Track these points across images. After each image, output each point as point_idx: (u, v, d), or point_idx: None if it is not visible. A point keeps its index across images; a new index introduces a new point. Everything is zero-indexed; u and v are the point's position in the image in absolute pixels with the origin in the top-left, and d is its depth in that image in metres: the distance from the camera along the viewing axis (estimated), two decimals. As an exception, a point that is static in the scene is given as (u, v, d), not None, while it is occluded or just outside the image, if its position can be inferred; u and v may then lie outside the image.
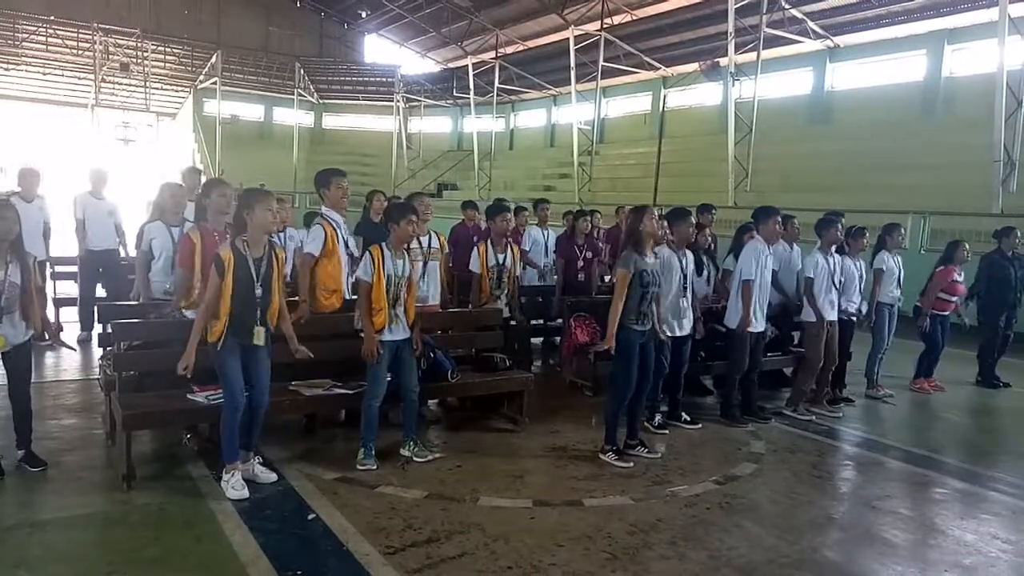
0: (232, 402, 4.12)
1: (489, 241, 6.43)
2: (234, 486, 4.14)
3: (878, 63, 19.32)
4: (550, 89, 28.65)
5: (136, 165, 26.71)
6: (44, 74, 29.74)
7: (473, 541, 3.77)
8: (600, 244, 8.80)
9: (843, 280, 6.51)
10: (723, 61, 18.87)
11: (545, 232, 8.75)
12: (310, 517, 4.00)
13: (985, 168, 13.25)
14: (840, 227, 6.48)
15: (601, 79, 23.90)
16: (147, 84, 30.26)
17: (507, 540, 3.79)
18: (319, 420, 5.47)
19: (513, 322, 6.69)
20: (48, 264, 7.84)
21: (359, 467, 4.64)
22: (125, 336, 4.79)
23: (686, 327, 5.74)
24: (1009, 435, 6.63)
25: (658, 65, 24.24)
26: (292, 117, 31.80)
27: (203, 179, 7.56)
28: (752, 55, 18.41)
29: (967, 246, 7.65)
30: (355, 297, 4.96)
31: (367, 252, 4.71)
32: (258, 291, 4.11)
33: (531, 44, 27.55)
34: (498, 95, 28.96)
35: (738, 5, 17.67)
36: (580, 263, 7.98)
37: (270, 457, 4.71)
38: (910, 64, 18.45)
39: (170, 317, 4.82)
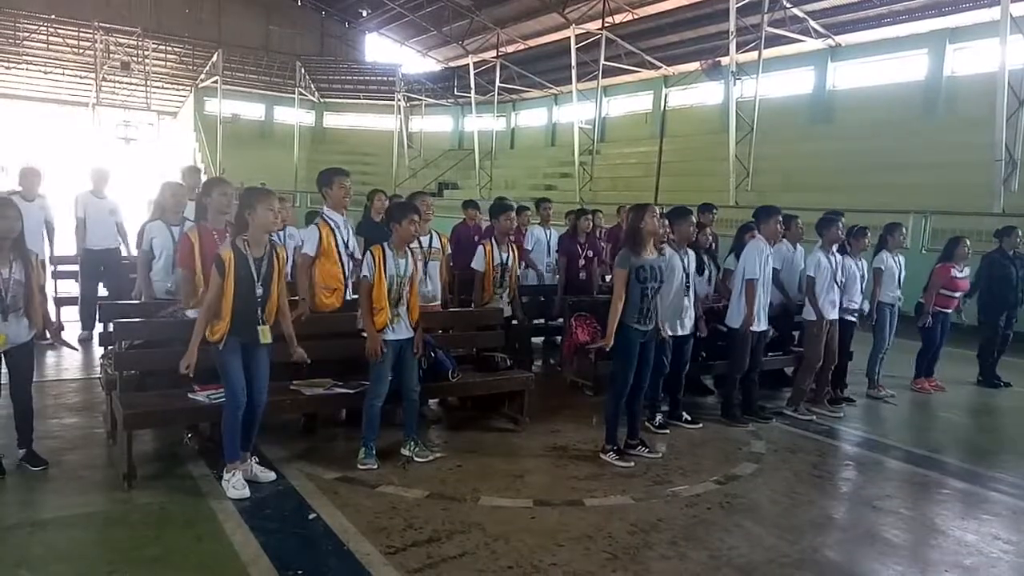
0: (233, 401, 4.13)
1: (493, 240, 6.44)
2: (235, 485, 4.14)
3: (879, 62, 19.28)
4: (551, 88, 28.63)
5: (137, 164, 26.71)
6: (45, 73, 29.78)
7: (474, 541, 3.77)
8: (601, 243, 8.81)
9: (844, 280, 6.51)
10: (724, 60, 18.88)
11: (547, 231, 8.73)
12: (311, 517, 4.00)
13: (986, 167, 13.22)
14: (840, 226, 6.48)
15: (602, 78, 23.87)
16: (148, 83, 30.32)
17: (508, 540, 3.79)
18: (320, 419, 5.48)
19: (514, 321, 6.69)
20: (50, 263, 7.84)
21: (360, 467, 4.64)
22: (126, 335, 4.79)
23: (687, 326, 5.74)
24: (1010, 435, 6.62)
25: (659, 64, 24.20)
26: (293, 116, 31.81)
27: (203, 178, 7.55)
28: (753, 54, 18.38)
29: (968, 242, 7.63)
30: (356, 297, 4.96)
31: (368, 252, 4.70)
32: (259, 290, 4.11)
33: (532, 43, 27.52)
34: (499, 94, 28.93)
35: (739, 4, 17.61)
36: (581, 262, 7.98)
37: (270, 456, 4.72)
38: (912, 63, 18.42)
39: (174, 316, 4.83)
